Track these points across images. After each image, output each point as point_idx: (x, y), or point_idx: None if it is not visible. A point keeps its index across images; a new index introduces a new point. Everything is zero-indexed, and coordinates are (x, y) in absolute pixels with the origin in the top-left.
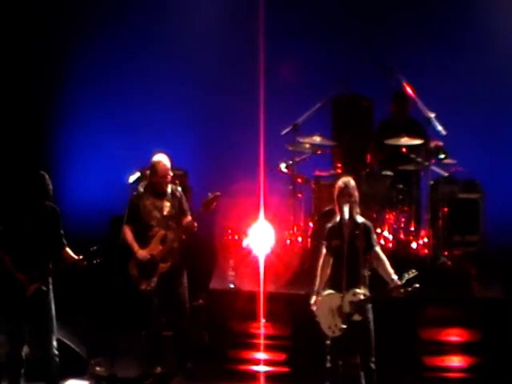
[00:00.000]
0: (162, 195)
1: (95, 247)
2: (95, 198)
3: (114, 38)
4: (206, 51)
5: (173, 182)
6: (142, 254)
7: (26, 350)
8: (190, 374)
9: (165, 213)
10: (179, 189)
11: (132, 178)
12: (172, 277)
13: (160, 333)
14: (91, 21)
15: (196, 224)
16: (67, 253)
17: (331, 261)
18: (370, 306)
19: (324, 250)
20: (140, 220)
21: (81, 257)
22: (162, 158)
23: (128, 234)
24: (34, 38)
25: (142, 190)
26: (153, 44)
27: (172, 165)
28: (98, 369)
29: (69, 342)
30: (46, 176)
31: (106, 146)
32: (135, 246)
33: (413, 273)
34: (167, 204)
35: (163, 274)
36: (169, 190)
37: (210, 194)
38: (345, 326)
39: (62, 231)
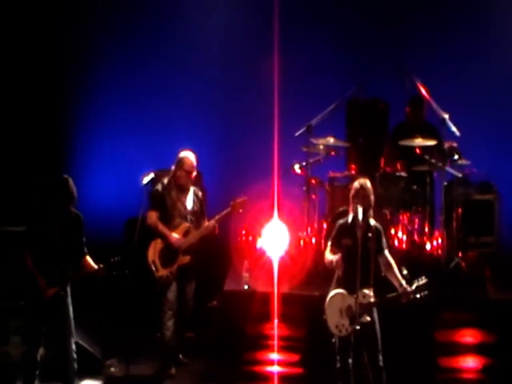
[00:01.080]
0: (184, 191)
1: (116, 258)
2: (110, 200)
3: (132, 41)
4: (222, 54)
5: (195, 184)
6: (177, 239)
7: (41, 351)
8: (204, 375)
9: (188, 208)
10: (200, 193)
11: (146, 180)
12: (185, 273)
13: (173, 330)
14: (110, 24)
15: (217, 227)
16: (87, 261)
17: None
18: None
19: (329, 244)
20: (163, 210)
21: (100, 266)
22: (189, 155)
23: (153, 217)
24: (51, 41)
25: (166, 181)
26: (170, 47)
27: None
28: (112, 369)
29: (83, 343)
30: (71, 180)
31: (120, 149)
32: (166, 230)
33: (423, 280)
34: (190, 200)
35: (181, 267)
36: (191, 188)
37: (240, 197)
38: (353, 327)
39: (84, 239)
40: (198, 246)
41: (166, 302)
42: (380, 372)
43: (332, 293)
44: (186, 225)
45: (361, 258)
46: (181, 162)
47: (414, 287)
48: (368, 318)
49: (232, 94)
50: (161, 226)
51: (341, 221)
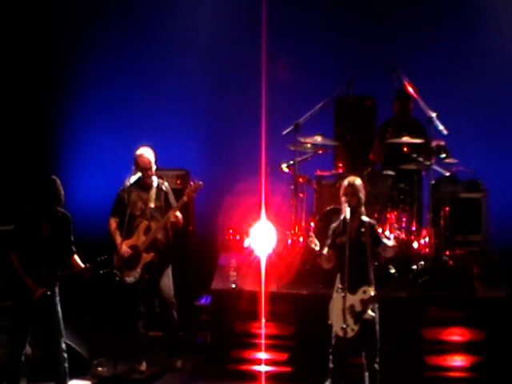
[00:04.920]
0: (147, 188)
1: (103, 257)
2: (98, 198)
3: (119, 40)
4: (209, 52)
5: (159, 177)
6: (123, 248)
7: (28, 350)
8: (192, 374)
9: (150, 204)
10: (166, 184)
11: (133, 178)
12: (157, 270)
13: (145, 327)
14: (97, 23)
15: (180, 216)
16: (75, 260)
17: (334, 255)
18: (376, 305)
19: (326, 249)
20: (126, 212)
21: (87, 265)
22: (144, 151)
23: (112, 225)
24: (40, 40)
25: (128, 183)
26: (156, 45)
27: (156, 158)
28: (100, 369)
29: (71, 343)
30: (58, 181)
31: (109, 147)
32: (118, 239)
33: (421, 265)
34: (152, 196)
35: (147, 265)
36: (155, 183)
37: (192, 183)
38: (357, 327)
39: (72, 238)
40: (165, 241)
41: (136, 302)
42: (375, 375)
43: (333, 297)
44: (144, 223)
45: (356, 254)
46: (136, 161)
47: (413, 273)
48: (372, 314)
49: (220, 92)
50: (115, 236)
51: (333, 225)
